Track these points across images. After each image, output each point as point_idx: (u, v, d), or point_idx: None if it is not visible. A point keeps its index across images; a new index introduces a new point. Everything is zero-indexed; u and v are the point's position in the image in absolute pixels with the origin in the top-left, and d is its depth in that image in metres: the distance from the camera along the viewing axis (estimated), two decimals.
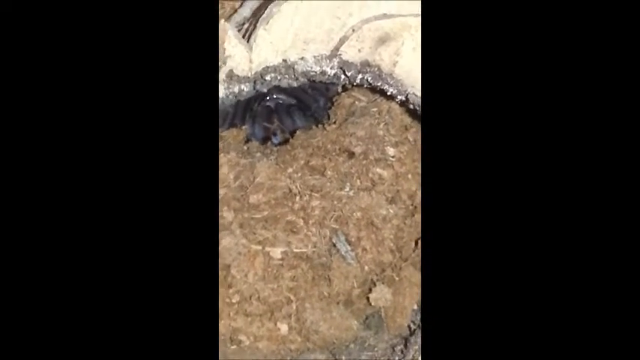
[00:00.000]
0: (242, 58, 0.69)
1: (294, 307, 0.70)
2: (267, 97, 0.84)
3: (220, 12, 0.77)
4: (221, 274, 0.70)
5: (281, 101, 0.84)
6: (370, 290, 0.71)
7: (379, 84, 0.69)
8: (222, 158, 0.72)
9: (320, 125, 0.77)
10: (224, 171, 0.71)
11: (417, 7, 0.65)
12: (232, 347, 0.71)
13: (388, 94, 0.69)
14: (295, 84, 0.71)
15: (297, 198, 0.71)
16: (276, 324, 0.71)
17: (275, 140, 0.82)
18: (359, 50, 0.69)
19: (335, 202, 0.71)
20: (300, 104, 0.84)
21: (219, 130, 0.78)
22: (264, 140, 0.83)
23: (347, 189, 0.72)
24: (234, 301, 0.70)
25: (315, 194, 0.71)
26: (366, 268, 0.71)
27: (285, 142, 0.78)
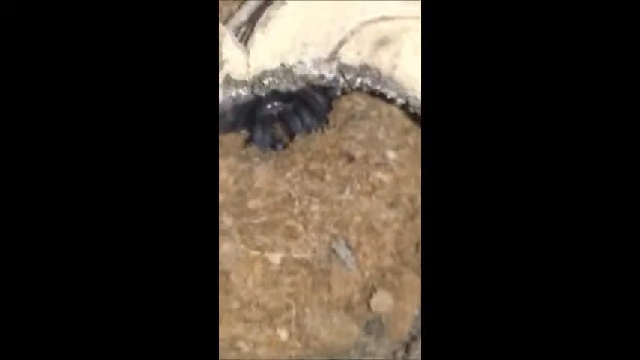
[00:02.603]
0: (239, 62, 0.69)
1: (294, 313, 0.70)
2: (269, 106, 0.83)
3: None
4: (220, 280, 0.69)
5: (283, 108, 0.83)
6: (371, 295, 0.70)
7: (379, 87, 0.69)
8: (221, 163, 0.71)
9: (319, 129, 0.76)
10: (223, 176, 0.71)
11: (416, 10, 0.65)
12: (231, 354, 0.70)
13: (388, 97, 0.69)
14: (294, 88, 0.71)
15: (297, 203, 0.70)
16: (275, 330, 0.70)
17: (281, 147, 0.81)
18: (358, 53, 0.68)
19: (335, 207, 0.70)
20: (305, 105, 0.83)
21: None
22: (272, 147, 0.81)
23: (347, 193, 0.71)
24: (233, 307, 0.69)
25: (315, 199, 0.70)
26: (367, 273, 0.71)
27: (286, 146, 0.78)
